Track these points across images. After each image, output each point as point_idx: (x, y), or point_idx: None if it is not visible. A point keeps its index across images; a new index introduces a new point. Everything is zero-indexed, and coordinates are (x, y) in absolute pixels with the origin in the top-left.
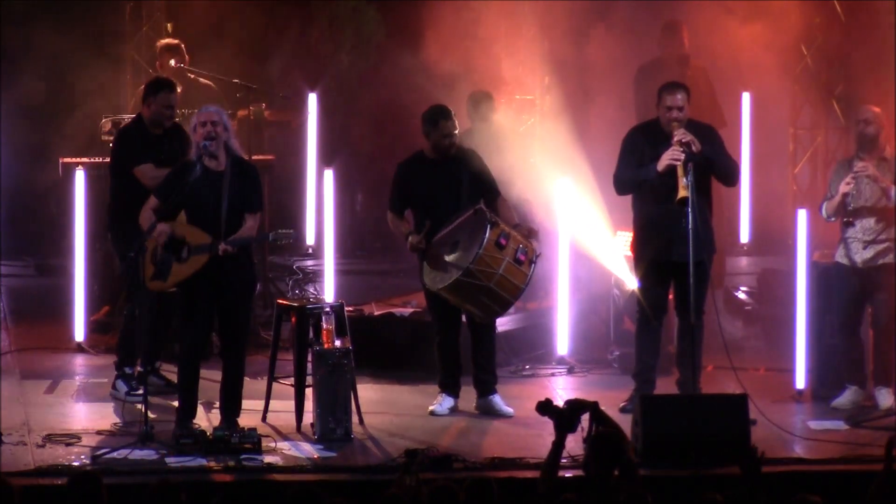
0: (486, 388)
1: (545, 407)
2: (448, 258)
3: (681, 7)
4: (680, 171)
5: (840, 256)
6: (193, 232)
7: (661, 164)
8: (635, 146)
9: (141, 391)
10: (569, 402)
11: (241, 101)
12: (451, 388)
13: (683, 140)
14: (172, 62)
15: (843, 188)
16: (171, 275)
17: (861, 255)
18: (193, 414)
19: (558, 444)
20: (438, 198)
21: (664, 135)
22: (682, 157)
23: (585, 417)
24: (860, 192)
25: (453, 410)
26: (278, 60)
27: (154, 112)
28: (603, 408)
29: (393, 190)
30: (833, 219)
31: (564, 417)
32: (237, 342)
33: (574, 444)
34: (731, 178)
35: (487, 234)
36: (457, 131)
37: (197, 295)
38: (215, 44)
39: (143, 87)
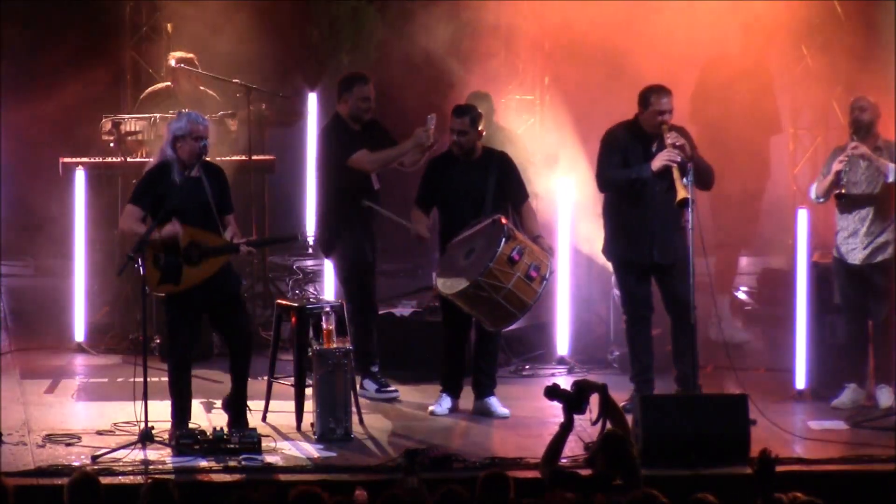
0: (483, 390)
1: (553, 391)
2: (461, 265)
3: (681, 6)
4: (676, 173)
5: (836, 253)
6: (204, 235)
7: (657, 163)
8: (618, 145)
9: (391, 388)
10: (577, 383)
11: (241, 101)
12: (452, 389)
13: (677, 144)
14: (173, 62)
15: (836, 166)
16: (185, 278)
17: (860, 253)
18: (188, 416)
19: (566, 426)
20: (462, 199)
21: (646, 136)
22: (679, 158)
23: (594, 399)
24: (856, 179)
25: (453, 411)
26: (278, 60)
27: (352, 107)
28: None
29: (420, 185)
30: (822, 199)
31: (573, 399)
32: (245, 341)
33: (581, 428)
34: (710, 182)
35: (500, 248)
36: (467, 129)
37: (187, 299)
38: (215, 44)
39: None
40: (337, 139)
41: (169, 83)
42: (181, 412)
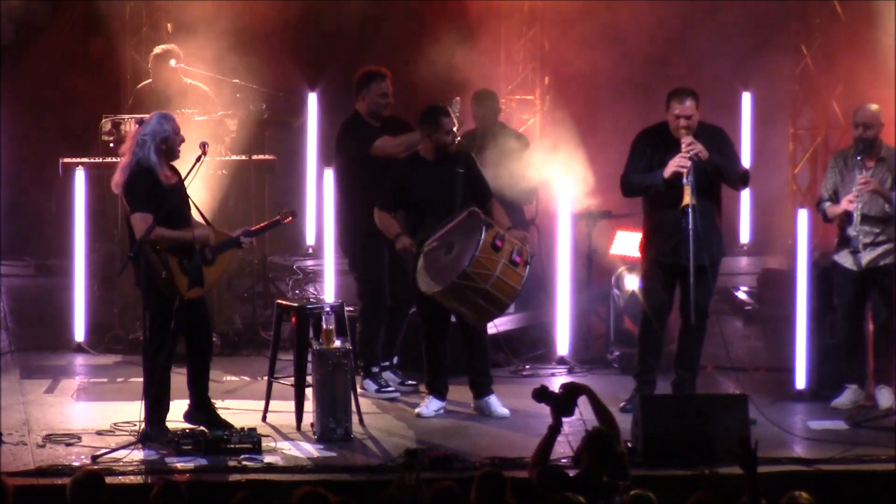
0: (481, 389)
1: (541, 393)
2: (444, 261)
3: (681, 6)
4: (685, 179)
5: (838, 257)
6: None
7: (668, 170)
8: (643, 150)
9: (391, 388)
10: (564, 386)
11: (241, 101)
12: (438, 390)
13: (691, 150)
14: (173, 62)
15: (846, 206)
16: (207, 278)
17: (862, 257)
18: (166, 412)
19: (554, 428)
20: (434, 199)
21: (673, 140)
22: (689, 164)
23: (582, 401)
24: (866, 198)
25: (439, 412)
26: (278, 60)
27: (370, 104)
28: None
29: (387, 188)
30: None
31: (561, 401)
32: (206, 331)
33: (570, 430)
34: (740, 182)
35: (483, 236)
36: (456, 128)
37: (164, 299)
38: (215, 44)
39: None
40: (357, 135)
41: (150, 80)
42: (159, 406)
